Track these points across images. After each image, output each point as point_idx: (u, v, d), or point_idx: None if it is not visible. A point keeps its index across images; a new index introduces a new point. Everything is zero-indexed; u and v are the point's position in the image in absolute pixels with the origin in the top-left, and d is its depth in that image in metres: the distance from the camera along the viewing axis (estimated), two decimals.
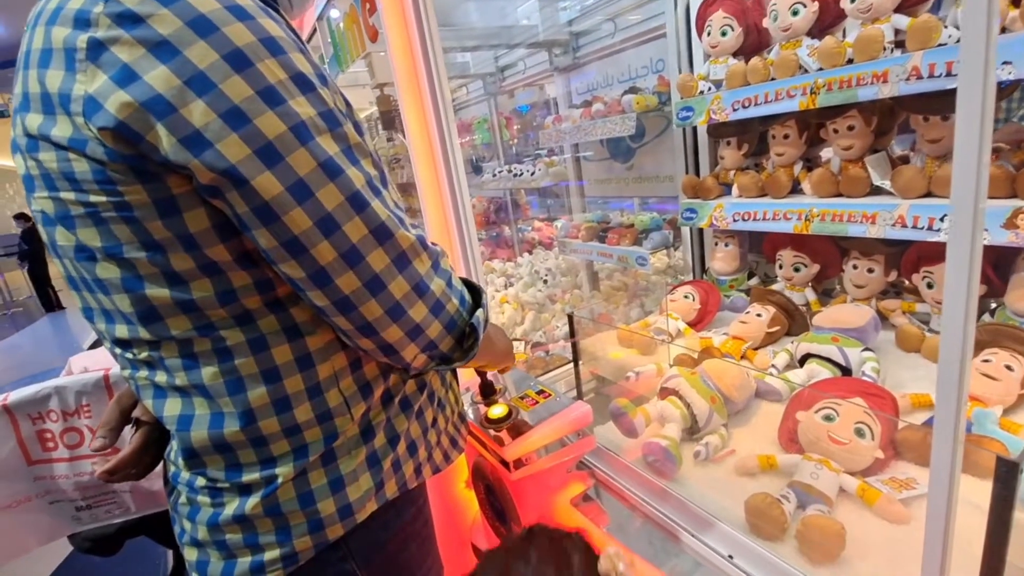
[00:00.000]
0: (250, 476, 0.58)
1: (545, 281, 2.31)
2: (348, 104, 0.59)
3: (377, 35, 1.24)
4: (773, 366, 1.14)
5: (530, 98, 2.78)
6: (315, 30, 1.67)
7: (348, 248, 0.51)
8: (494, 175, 2.39)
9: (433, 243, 0.60)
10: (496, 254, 2.97)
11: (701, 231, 1.72)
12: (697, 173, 1.65)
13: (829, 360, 1.06)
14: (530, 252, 2.77)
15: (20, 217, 8.06)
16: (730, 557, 0.78)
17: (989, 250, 0.98)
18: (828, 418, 0.85)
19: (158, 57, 0.45)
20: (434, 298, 0.58)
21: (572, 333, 1.09)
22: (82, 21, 0.45)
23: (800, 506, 0.79)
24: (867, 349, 1.05)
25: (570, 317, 1.14)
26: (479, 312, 0.64)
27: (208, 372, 0.55)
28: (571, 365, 1.52)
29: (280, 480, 0.58)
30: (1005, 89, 1.07)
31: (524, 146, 2.87)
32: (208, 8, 0.46)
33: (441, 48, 1.09)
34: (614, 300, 2.09)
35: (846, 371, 1.05)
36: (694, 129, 1.62)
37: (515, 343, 1.98)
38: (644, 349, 1.36)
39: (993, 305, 1.13)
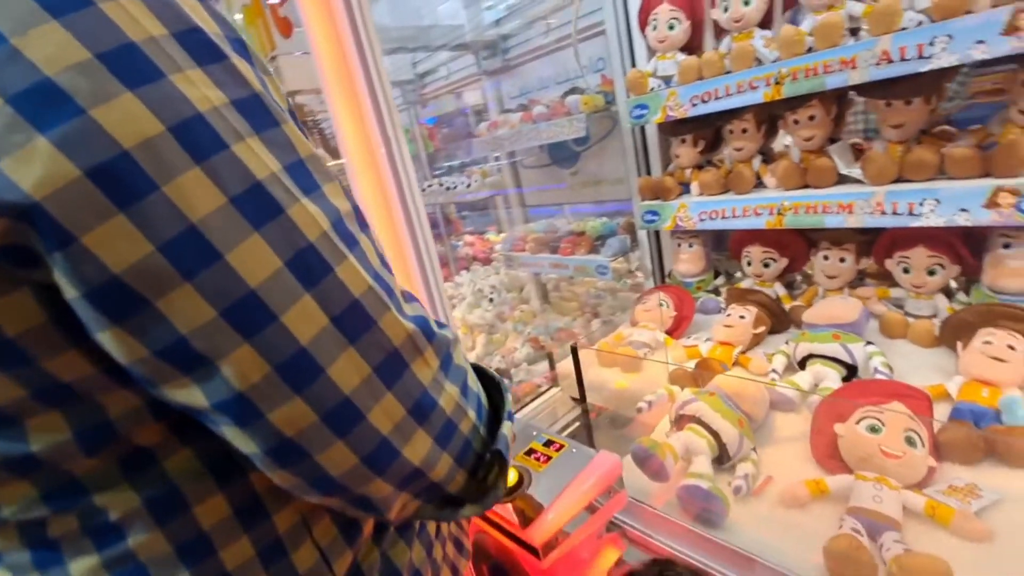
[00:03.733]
0: None
1: (491, 300, 2.16)
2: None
3: (291, 29, 1.01)
4: (773, 370, 1.07)
5: (441, 108, 2.61)
6: None
7: (292, 354, 0.28)
8: (423, 190, 2.19)
9: (440, 324, 0.39)
10: None
11: (658, 234, 1.66)
12: (648, 174, 1.58)
13: (835, 359, 1.00)
14: (467, 269, 2.60)
15: None
16: None
17: (963, 229, 0.98)
18: (873, 429, 0.77)
19: None
20: (443, 417, 0.36)
21: (576, 366, 0.94)
22: None
23: (870, 537, 0.69)
24: (869, 343, 1.00)
25: (573, 349, 0.99)
26: (505, 427, 0.41)
27: (80, 569, 0.32)
28: (545, 394, 1.37)
29: None
30: (949, 71, 1.09)
31: (440, 159, 2.70)
32: None
33: (379, 41, 0.91)
34: (569, 313, 1.99)
35: (852, 369, 1.00)
36: (642, 129, 1.56)
37: None
38: (628, 367, 1.25)
39: (954, 285, 1.15)
